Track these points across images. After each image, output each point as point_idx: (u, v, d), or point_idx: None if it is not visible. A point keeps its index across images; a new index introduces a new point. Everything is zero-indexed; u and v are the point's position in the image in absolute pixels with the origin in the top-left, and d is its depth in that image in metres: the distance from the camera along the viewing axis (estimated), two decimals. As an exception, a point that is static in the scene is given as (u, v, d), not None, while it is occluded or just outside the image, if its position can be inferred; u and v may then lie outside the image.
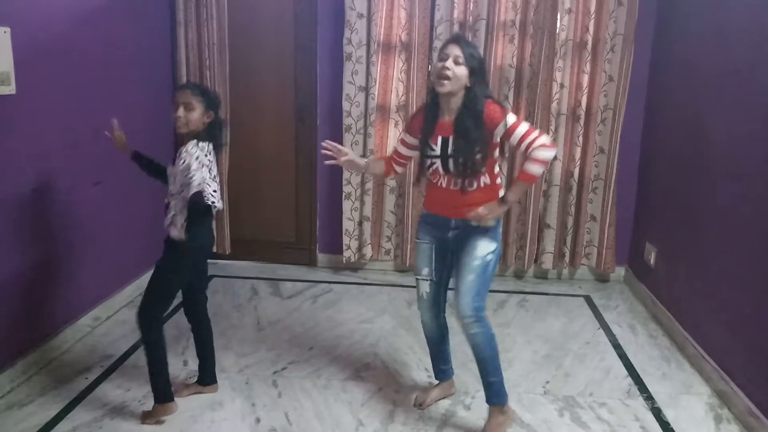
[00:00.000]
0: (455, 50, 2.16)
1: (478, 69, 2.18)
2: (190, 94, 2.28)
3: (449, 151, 2.23)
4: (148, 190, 3.70)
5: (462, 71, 2.15)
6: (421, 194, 2.53)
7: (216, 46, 3.83)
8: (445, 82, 2.15)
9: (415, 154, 2.44)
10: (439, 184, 2.33)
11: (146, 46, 3.66)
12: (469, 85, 2.18)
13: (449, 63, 2.14)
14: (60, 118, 2.86)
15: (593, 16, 3.69)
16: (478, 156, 2.19)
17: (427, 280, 2.43)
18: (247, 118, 4.09)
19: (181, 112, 2.26)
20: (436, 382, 2.67)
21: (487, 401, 2.39)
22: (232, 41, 3.88)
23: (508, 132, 2.17)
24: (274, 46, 4.02)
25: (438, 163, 2.27)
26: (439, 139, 2.25)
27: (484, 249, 2.28)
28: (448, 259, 2.43)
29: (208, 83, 3.87)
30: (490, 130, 2.19)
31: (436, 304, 2.47)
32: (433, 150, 2.27)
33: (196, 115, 2.27)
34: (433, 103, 2.28)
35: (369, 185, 3.98)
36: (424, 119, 2.31)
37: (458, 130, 2.21)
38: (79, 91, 2.99)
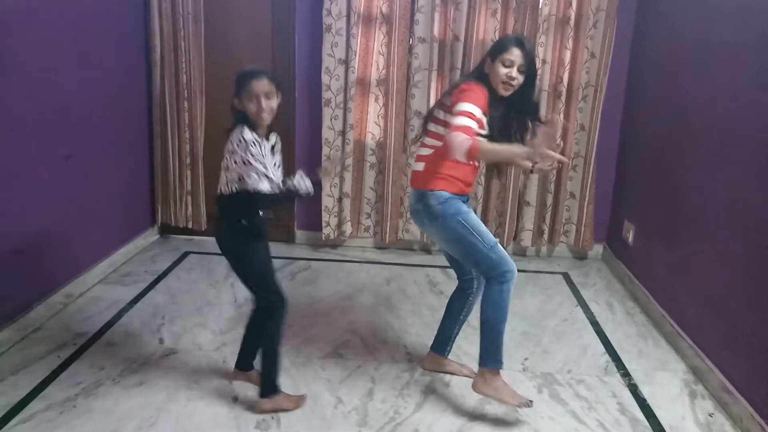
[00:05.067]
0: (519, 58, 2.21)
1: (531, 76, 2.29)
2: (269, 82, 2.11)
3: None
4: (119, 166, 3.63)
5: (521, 78, 2.26)
6: (445, 177, 2.35)
7: (191, 15, 3.71)
8: (511, 89, 2.26)
9: None
10: (476, 163, 2.39)
11: (118, 14, 3.52)
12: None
13: (515, 72, 2.22)
14: (27, 89, 2.74)
15: (576, -9, 3.64)
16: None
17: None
18: (223, 91, 3.93)
19: (265, 103, 2.09)
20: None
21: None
22: (207, 11, 3.76)
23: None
24: (251, 16, 3.90)
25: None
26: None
27: None
28: None
29: (182, 54, 3.76)
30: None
31: None
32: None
33: (276, 102, 2.14)
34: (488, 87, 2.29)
35: (348, 161, 3.92)
36: (492, 99, 2.27)
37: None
38: (47, 61, 2.86)
